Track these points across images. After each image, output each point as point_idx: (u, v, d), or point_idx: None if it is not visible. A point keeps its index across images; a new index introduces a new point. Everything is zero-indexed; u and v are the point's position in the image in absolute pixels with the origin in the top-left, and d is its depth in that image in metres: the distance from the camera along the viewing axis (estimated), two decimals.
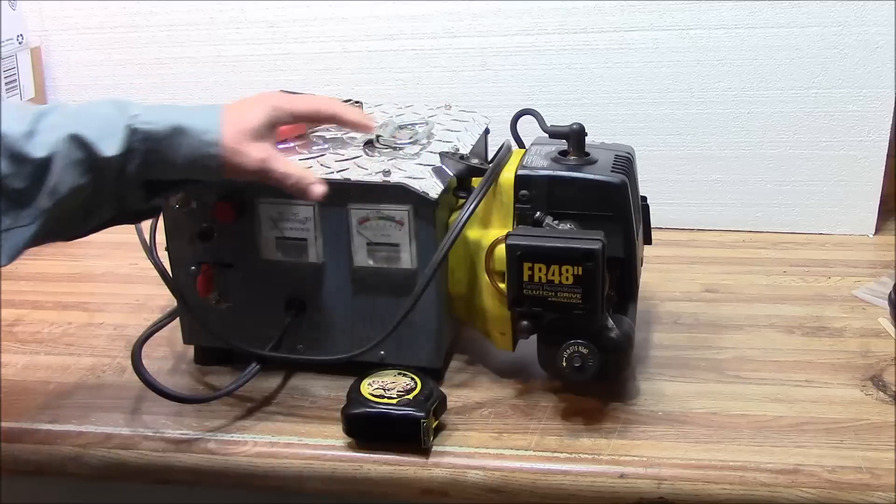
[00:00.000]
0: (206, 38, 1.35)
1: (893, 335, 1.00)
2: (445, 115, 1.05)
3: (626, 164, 0.90)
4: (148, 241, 0.91)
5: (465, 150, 0.96)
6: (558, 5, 1.25)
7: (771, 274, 1.16)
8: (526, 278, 0.82)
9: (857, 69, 1.21)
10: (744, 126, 1.26)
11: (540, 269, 0.81)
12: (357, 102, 1.01)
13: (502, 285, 0.87)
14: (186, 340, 0.98)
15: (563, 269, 0.81)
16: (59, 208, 0.76)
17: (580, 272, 0.80)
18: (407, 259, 0.88)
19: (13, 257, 0.76)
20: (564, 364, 0.84)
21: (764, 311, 1.06)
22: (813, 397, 0.89)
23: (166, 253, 0.93)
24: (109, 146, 0.76)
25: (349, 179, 0.87)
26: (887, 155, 1.25)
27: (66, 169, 0.75)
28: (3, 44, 1.31)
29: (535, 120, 0.96)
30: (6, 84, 1.33)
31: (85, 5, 1.36)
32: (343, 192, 0.87)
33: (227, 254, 0.92)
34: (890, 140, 1.24)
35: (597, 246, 0.80)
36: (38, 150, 0.75)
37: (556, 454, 0.82)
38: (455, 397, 0.90)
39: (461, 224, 0.84)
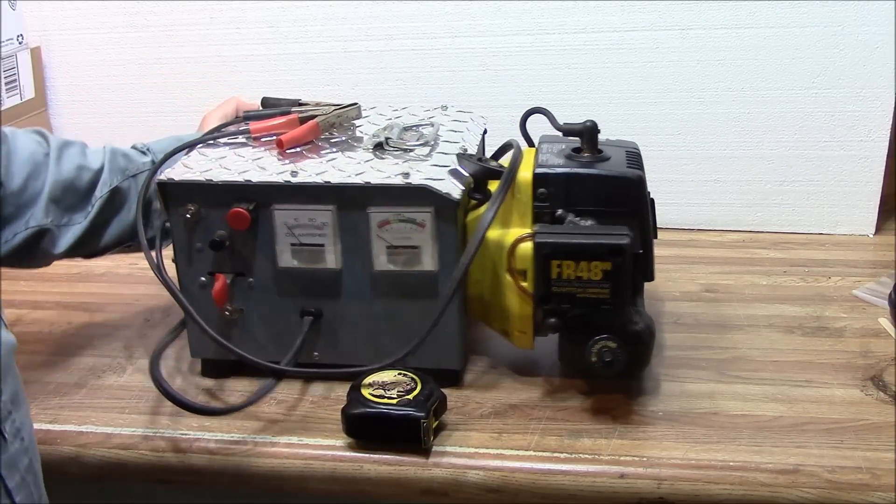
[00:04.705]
0: (206, 38, 1.35)
1: (893, 335, 1.00)
2: (444, 115, 1.05)
3: (638, 159, 0.91)
4: (155, 257, 0.88)
5: (471, 151, 0.95)
6: (558, 5, 1.25)
7: (771, 274, 1.17)
8: (554, 276, 0.82)
9: (857, 69, 1.21)
10: (744, 126, 1.26)
11: (568, 266, 0.82)
12: (353, 104, 1.00)
13: (524, 283, 0.87)
14: (194, 353, 0.95)
15: (592, 265, 0.82)
16: (101, 213, 0.93)
17: (609, 267, 0.81)
18: (429, 261, 0.87)
19: (63, 249, 0.93)
20: (594, 359, 0.84)
21: (764, 311, 1.07)
22: (813, 397, 0.89)
23: (174, 265, 0.91)
24: (141, 155, 0.97)
25: (370, 182, 0.86)
26: (887, 155, 1.25)
27: (112, 173, 0.94)
28: (3, 44, 1.31)
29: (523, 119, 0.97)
30: (6, 84, 1.33)
31: (85, 5, 1.36)
32: (363, 196, 0.86)
33: (240, 263, 0.90)
34: (890, 140, 1.24)
35: (625, 241, 0.81)
36: (93, 159, 0.94)
37: (556, 454, 0.82)
38: (455, 397, 0.90)
39: (486, 225, 0.84)
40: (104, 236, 0.95)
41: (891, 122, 1.23)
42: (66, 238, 0.92)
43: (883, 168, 1.25)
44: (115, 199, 0.94)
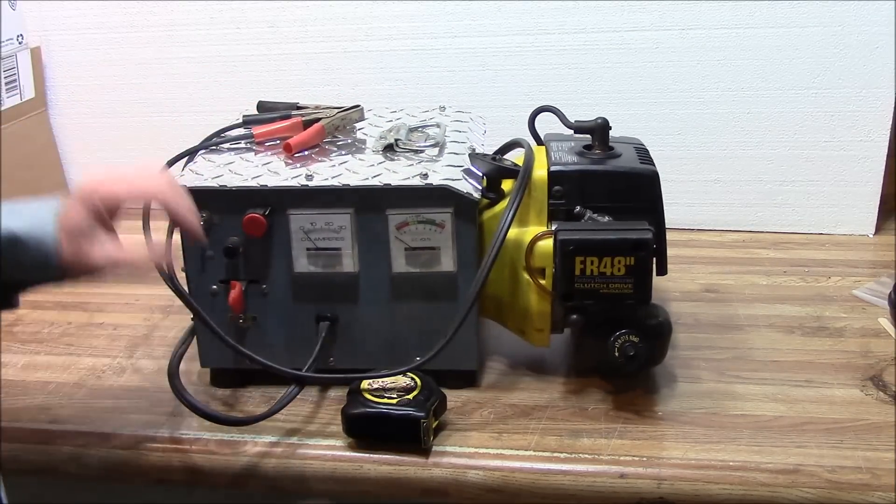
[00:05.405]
0: (206, 38, 1.35)
1: (893, 335, 1.00)
2: (443, 116, 1.05)
3: (648, 154, 0.91)
4: (166, 269, 0.85)
5: (478, 150, 0.95)
6: (558, 5, 1.25)
7: (771, 274, 1.17)
8: (578, 272, 0.83)
9: (857, 69, 1.21)
10: (744, 126, 1.26)
11: (592, 262, 0.82)
12: (356, 106, 1.00)
13: (543, 281, 0.87)
14: (205, 363, 0.94)
15: (616, 261, 0.82)
16: None
17: (632, 262, 0.82)
18: (448, 262, 0.87)
19: None
20: (617, 354, 0.84)
21: (764, 311, 1.07)
22: (813, 397, 0.89)
23: (184, 273, 0.89)
24: None
25: (389, 184, 0.85)
26: (887, 155, 1.25)
27: None
28: (3, 44, 1.31)
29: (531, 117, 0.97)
30: (6, 84, 1.33)
31: (85, 5, 1.36)
32: (381, 198, 0.85)
33: (253, 269, 0.89)
34: (890, 140, 1.24)
35: (648, 235, 0.82)
36: None
37: (556, 454, 0.82)
38: (455, 397, 0.90)
39: (507, 225, 0.83)
40: None
41: (891, 122, 1.23)
42: None
43: (883, 168, 1.25)
44: None
